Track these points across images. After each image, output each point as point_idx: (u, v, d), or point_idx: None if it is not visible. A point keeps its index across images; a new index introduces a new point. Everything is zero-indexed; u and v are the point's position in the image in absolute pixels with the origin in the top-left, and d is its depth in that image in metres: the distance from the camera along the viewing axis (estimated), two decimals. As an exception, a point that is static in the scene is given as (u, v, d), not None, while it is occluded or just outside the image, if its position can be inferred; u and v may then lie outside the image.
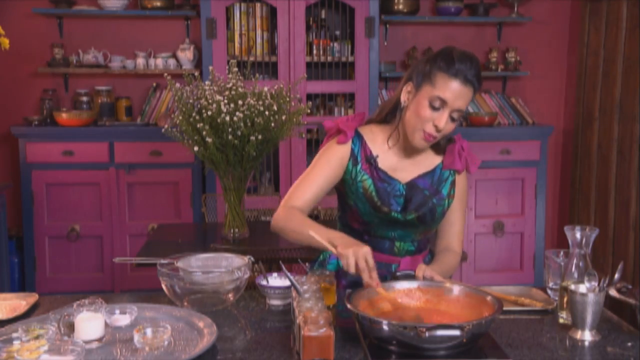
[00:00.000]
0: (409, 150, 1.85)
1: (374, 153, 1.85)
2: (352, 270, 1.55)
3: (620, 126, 3.90)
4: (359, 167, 1.84)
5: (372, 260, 1.54)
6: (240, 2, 4.12)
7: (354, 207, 1.86)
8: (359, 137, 1.86)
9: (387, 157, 1.86)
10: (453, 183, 1.91)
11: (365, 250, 1.54)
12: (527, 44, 4.58)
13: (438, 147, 1.89)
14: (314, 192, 1.82)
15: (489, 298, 1.51)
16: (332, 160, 1.84)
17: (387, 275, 1.85)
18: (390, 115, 1.88)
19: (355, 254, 1.54)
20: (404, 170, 1.87)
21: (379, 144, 1.87)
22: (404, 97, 1.81)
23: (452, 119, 1.75)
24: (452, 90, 1.71)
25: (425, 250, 1.99)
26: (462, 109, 1.74)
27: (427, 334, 1.31)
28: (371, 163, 1.84)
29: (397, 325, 1.36)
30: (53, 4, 4.18)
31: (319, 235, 1.64)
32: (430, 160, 1.90)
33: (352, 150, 1.84)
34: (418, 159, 1.88)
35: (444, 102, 1.72)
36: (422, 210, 1.84)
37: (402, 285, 1.62)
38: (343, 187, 1.88)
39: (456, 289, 1.59)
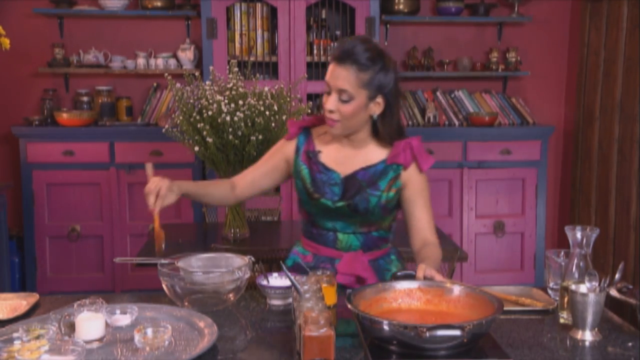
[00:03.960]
0: (345, 142, 1.94)
1: (318, 148, 1.97)
2: (150, 196, 1.83)
3: (620, 126, 3.90)
4: (299, 159, 1.97)
5: (165, 190, 1.83)
6: (241, 2, 4.12)
7: (298, 197, 2.00)
8: (306, 134, 2.00)
9: (331, 152, 1.96)
10: (396, 178, 1.93)
11: (165, 182, 1.84)
12: (528, 44, 4.58)
13: (385, 142, 1.94)
14: (253, 175, 2.02)
15: (489, 298, 1.51)
16: (274, 152, 2.04)
17: (330, 269, 1.88)
18: None
19: (155, 182, 1.84)
20: (347, 164, 1.94)
21: (327, 140, 1.97)
22: None
23: (343, 100, 1.82)
24: (331, 72, 1.83)
25: (379, 251, 1.99)
26: (343, 88, 1.80)
27: (427, 334, 1.31)
28: (310, 157, 1.96)
29: (398, 325, 1.36)
30: (53, 4, 4.18)
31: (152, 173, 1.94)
32: (375, 155, 1.95)
33: (297, 145, 1.99)
34: (363, 153, 1.95)
35: (328, 85, 1.84)
36: (355, 200, 1.89)
37: (403, 285, 1.62)
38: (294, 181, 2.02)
39: (457, 289, 1.59)
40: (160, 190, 1.81)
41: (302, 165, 1.96)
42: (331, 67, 1.83)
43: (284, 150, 2.01)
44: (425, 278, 1.66)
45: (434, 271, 1.68)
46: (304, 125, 2.01)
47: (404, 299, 1.59)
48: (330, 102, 1.83)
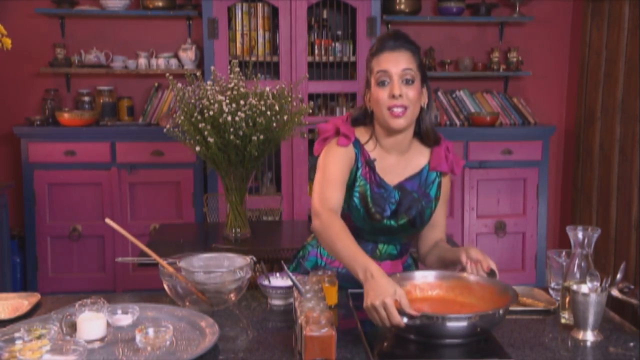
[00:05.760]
0: (394, 149, 1.84)
1: (372, 157, 1.84)
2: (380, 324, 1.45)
3: (622, 126, 3.90)
4: (359, 172, 1.82)
5: (391, 304, 1.40)
6: (242, 2, 4.13)
7: (346, 211, 1.82)
8: (357, 141, 1.84)
9: (382, 160, 1.85)
10: (439, 185, 1.90)
11: (387, 301, 1.40)
12: (529, 44, 4.58)
13: (424, 148, 1.89)
14: (341, 191, 1.78)
15: (510, 292, 1.53)
16: (343, 160, 1.80)
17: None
18: (368, 120, 1.87)
19: (375, 308, 1.42)
20: (393, 172, 1.85)
21: (371, 147, 1.85)
22: (368, 104, 1.84)
23: (407, 82, 1.75)
24: (387, 60, 1.76)
25: (406, 255, 1.97)
26: (408, 67, 1.76)
27: (414, 321, 1.38)
28: (371, 167, 1.82)
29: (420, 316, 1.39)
30: (55, 4, 4.18)
31: (356, 262, 1.54)
32: (416, 162, 1.88)
33: (356, 154, 1.82)
34: (405, 160, 1.86)
35: (386, 73, 1.75)
36: (412, 214, 1.84)
37: (424, 276, 1.66)
38: None
39: (478, 281, 1.62)
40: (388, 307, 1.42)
41: (363, 181, 1.81)
42: (384, 57, 1.76)
43: (348, 158, 1.80)
44: (471, 260, 1.68)
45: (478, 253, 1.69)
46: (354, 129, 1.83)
47: (439, 290, 1.65)
48: (397, 87, 1.73)
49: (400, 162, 1.85)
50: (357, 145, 1.83)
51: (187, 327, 1.54)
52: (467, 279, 1.64)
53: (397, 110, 1.74)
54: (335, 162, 1.79)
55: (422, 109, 1.83)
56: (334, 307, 1.64)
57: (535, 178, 4.28)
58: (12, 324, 1.52)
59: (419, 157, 1.89)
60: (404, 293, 1.44)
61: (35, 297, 1.76)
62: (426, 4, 4.45)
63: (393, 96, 1.73)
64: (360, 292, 1.76)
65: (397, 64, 1.75)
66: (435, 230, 1.93)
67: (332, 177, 1.77)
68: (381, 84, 1.76)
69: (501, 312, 1.42)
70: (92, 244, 4.08)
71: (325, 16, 4.20)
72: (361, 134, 1.85)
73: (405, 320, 1.40)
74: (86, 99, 4.26)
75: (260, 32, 4.16)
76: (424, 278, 1.66)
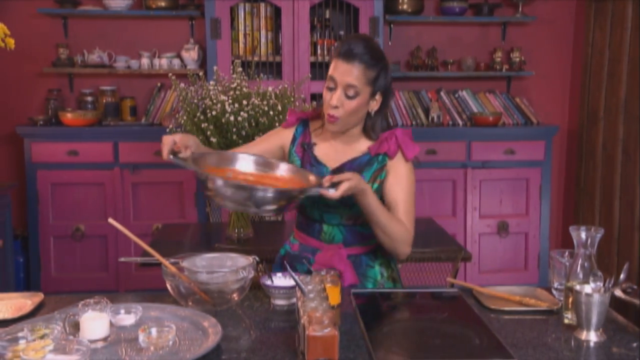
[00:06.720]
0: (339, 139, 1.96)
1: (313, 141, 1.99)
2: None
3: (625, 126, 3.89)
4: (294, 149, 2.00)
5: (168, 141, 1.80)
6: (245, 2, 4.13)
7: None
8: (304, 126, 2.02)
9: (324, 146, 1.98)
10: (381, 169, 1.93)
11: (162, 139, 1.80)
12: (532, 44, 4.57)
13: (370, 135, 1.96)
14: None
15: (311, 177, 1.81)
16: (271, 136, 2.06)
17: (310, 258, 1.95)
18: None
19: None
20: (336, 158, 1.96)
21: (321, 134, 2.00)
22: None
23: (348, 96, 1.84)
24: (338, 68, 1.84)
25: (362, 247, 1.96)
26: (352, 84, 1.82)
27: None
28: (304, 148, 1.99)
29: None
30: (58, 4, 4.19)
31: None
32: (361, 147, 1.97)
33: (294, 135, 2.02)
34: (351, 148, 1.97)
35: (333, 81, 1.85)
36: None
37: (245, 164, 1.88)
38: None
39: (290, 176, 1.86)
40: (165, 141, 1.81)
41: (295, 156, 1.98)
42: (337, 64, 1.84)
43: (281, 136, 2.03)
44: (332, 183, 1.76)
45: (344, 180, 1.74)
46: (302, 117, 2.03)
47: (247, 177, 1.84)
48: (336, 98, 1.84)
49: (345, 150, 1.97)
50: (302, 129, 2.02)
51: (190, 327, 1.54)
52: (280, 173, 1.87)
53: (331, 117, 1.88)
54: (262, 137, 2.08)
55: (369, 113, 1.92)
56: (337, 307, 1.63)
57: (538, 178, 4.27)
58: (16, 323, 1.52)
59: (365, 143, 1.97)
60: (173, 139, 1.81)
61: (38, 297, 1.76)
62: (429, 4, 4.45)
63: (329, 104, 1.85)
64: (361, 291, 1.77)
65: (345, 76, 1.83)
66: (396, 212, 1.90)
67: (252, 142, 2.08)
68: (329, 89, 1.87)
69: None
70: (95, 244, 4.09)
71: (327, 16, 4.20)
72: (315, 122, 2.03)
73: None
74: (89, 99, 4.27)
75: (263, 32, 4.16)
76: (245, 167, 1.88)
